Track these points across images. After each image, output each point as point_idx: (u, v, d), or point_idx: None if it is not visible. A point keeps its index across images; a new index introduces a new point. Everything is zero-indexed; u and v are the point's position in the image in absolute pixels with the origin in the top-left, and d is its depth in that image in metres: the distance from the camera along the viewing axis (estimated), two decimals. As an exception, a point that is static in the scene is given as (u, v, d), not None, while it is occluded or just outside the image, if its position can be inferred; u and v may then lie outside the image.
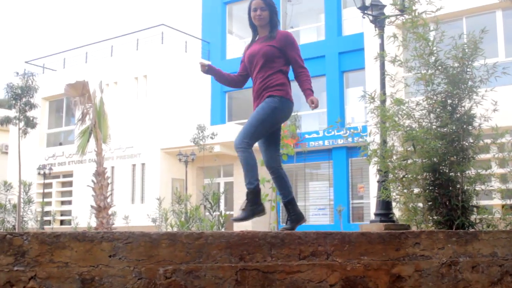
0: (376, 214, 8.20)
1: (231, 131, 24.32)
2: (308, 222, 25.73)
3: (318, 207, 26.11)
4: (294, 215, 5.37)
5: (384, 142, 6.14)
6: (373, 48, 21.68)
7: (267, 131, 5.31)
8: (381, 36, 8.78)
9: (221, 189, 23.78)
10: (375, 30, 9.42)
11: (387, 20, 8.64)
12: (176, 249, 3.96)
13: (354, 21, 26.45)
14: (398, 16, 7.98)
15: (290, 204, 5.40)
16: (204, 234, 4.07)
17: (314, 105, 5.15)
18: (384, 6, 9.59)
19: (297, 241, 4.31)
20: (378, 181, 8.28)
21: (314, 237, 4.35)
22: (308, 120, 25.64)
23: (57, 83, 28.62)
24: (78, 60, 30.91)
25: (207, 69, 5.58)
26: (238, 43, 30.51)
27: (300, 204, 24.38)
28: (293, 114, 15.05)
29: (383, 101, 6.36)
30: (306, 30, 27.97)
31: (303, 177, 26.18)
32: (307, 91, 5.28)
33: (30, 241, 3.72)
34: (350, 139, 24.37)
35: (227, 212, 19.48)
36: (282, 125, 12.62)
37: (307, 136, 25.03)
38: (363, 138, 6.11)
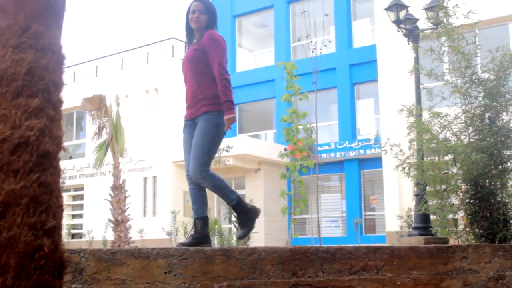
0: (414, 228, 8.15)
1: (243, 143, 24.30)
2: (321, 234, 25.65)
3: (331, 219, 26.03)
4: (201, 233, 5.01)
5: (422, 155, 6.13)
6: (386, 60, 21.76)
7: (216, 151, 5.18)
8: (416, 50, 8.77)
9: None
10: (409, 44, 9.44)
11: (421, 34, 8.67)
12: (230, 265, 3.95)
13: (364, 34, 26.52)
14: (433, 30, 7.97)
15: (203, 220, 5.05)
16: (257, 249, 4.07)
17: (226, 126, 4.97)
18: (417, 20, 9.61)
19: (347, 256, 4.29)
20: (416, 195, 8.25)
21: (364, 252, 4.34)
22: (319, 133, 25.64)
23: (68, 96, 28.71)
24: (89, 74, 31.02)
25: None
26: (248, 56, 30.59)
27: (312, 216, 24.44)
28: (309, 126, 15.05)
29: (419, 115, 6.35)
30: (317, 43, 28.02)
31: (315, 189, 26.11)
32: (226, 104, 4.96)
33: (87, 258, 3.72)
34: (362, 151, 24.40)
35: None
36: (296, 136, 12.56)
37: (318, 148, 25.00)
38: (402, 151, 6.06)
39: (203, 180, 4.93)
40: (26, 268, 2.05)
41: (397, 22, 9.72)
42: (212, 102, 5.03)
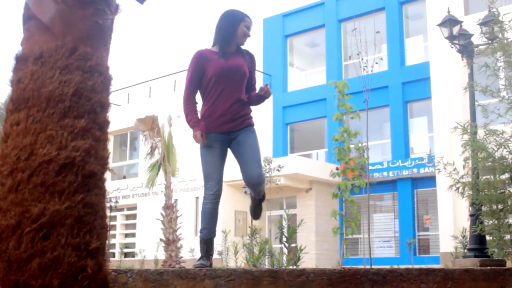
0: (470, 249, 7.90)
1: (295, 163, 24.21)
2: (373, 254, 25.22)
3: (383, 240, 25.63)
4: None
5: (477, 174, 5.95)
6: (439, 77, 21.45)
7: None
8: (470, 66, 8.55)
9: (284, 222, 23.60)
10: (463, 60, 9.25)
11: (475, 50, 8.47)
12: (277, 286, 3.88)
13: (417, 51, 26.21)
14: (488, 45, 7.79)
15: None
16: (305, 271, 3.99)
17: (264, 90, 4.97)
18: (472, 35, 9.39)
19: (399, 278, 4.18)
20: (471, 215, 8.00)
21: (416, 274, 4.21)
22: (372, 151, 25.35)
23: (122, 117, 29.19)
24: (143, 95, 31.50)
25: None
26: (299, 75, 30.57)
27: (364, 236, 24.10)
28: (361, 145, 14.92)
29: (474, 132, 6.19)
30: (368, 61, 27.79)
31: (366, 209, 25.79)
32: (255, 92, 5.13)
33: (134, 278, 3.71)
34: (415, 170, 24.00)
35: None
36: (348, 155, 12.43)
37: (370, 167, 24.71)
38: (456, 170, 5.91)
39: (264, 183, 5.17)
40: (68, 289, 2.04)
41: (451, 38, 9.50)
42: (250, 117, 5.17)
